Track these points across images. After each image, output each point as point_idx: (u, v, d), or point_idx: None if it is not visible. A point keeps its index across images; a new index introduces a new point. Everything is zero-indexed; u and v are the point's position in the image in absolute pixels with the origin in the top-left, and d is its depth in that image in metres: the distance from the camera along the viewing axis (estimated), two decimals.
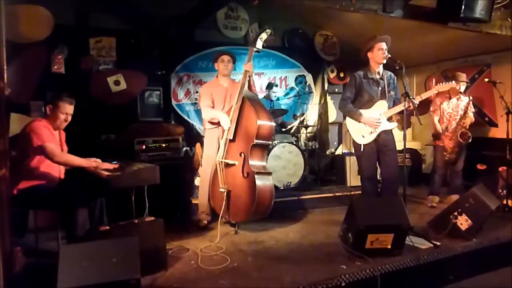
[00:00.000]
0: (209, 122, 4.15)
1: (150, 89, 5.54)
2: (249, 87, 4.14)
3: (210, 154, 4.14)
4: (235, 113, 3.94)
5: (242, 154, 3.87)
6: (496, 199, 3.93)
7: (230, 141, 3.96)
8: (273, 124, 4.08)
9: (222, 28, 6.02)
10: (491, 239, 3.63)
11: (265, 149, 4.14)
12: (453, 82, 4.33)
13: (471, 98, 4.90)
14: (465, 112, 4.83)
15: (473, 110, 4.94)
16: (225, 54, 4.18)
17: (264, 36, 4.12)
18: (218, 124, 4.05)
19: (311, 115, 6.98)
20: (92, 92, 5.01)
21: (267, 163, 5.06)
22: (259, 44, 4.11)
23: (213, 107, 4.13)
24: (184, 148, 4.77)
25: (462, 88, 4.89)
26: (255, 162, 3.90)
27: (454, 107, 4.94)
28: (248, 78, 4.08)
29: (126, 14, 5.27)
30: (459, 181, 5.01)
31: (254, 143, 3.85)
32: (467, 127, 4.86)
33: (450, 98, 4.97)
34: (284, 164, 5.37)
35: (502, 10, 4.65)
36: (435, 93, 4.27)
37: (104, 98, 5.08)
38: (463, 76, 4.89)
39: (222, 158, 3.95)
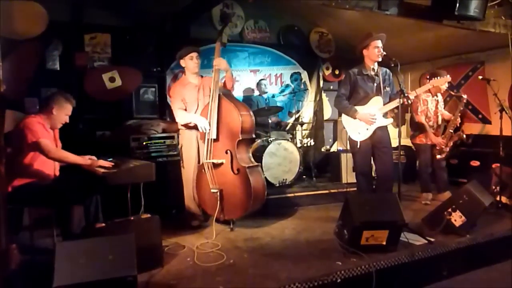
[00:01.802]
0: (183, 125, 4.02)
1: (145, 85, 5.53)
2: (225, 84, 4.01)
3: (191, 156, 4.01)
4: (213, 112, 3.84)
5: (229, 151, 3.81)
6: (490, 195, 3.97)
7: (214, 140, 3.87)
8: (253, 117, 3.98)
9: (217, 24, 5.99)
10: (484, 235, 3.66)
11: (250, 142, 4.08)
12: (448, 76, 4.36)
13: (464, 98, 4.88)
14: (459, 112, 4.83)
15: (461, 108, 4.93)
16: (193, 51, 4.01)
17: (227, 30, 4.04)
18: (194, 127, 3.93)
19: (307, 112, 7.00)
20: (87, 88, 4.98)
21: (262, 160, 5.12)
22: (225, 38, 4.02)
23: (185, 108, 3.99)
24: (180, 145, 4.75)
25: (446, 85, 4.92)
26: (242, 156, 3.87)
27: (435, 104, 4.97)
28: (224, 75, 3.98)
29: (121, 10, 5.25)
30: (446, 176, 5.02)
31: (240, 138, 3.79)
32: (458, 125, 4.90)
33: (432, 96, 4.98)
34: (280, 161, 5.38)
35: (496, 8, 4.68)
36: (430, 87, 4.29)
37: (99, 94, 5.05)
38: (444, 72, 4.89)
39: (208, 159, 3.86)
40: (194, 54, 3.99)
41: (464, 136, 4.84)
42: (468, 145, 5.19)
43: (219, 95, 3.87)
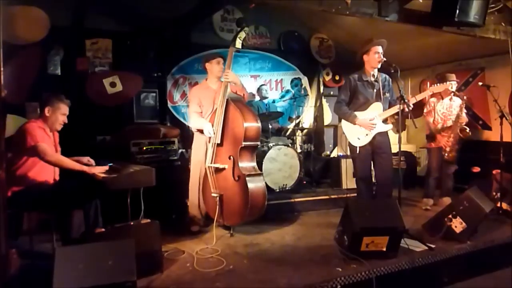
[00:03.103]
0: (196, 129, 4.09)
1: (146, 91, 5.54)
2: (237, 91, 4.06)
3: (198, 158, 4.05)
4: (220, 117, 3.86)
5: (231, 157, 3.81)
6: (490, 201, 3.96)
7: (218, 145, 3.89)
8: (260, 124, 3.97)
9: (218, 30, 6.03)
10: (485, 242, 3.65)
11: (254, 150, 4.06)
12: (447, 83, 4.37)
13: (465, 98, 4.90)
14: (461, 111, 4.85)
15: (465, 111, 4.96)
16: (220, 56, 4.10)
17: (242, 35, 4.03)
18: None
19: (307, 118, 7.01)
20: (88, 93, 5.00)
21: (262, 165, 5.12)
22: (238, 43, 4.03)
23: (201, 112, 4.06)
24: (180, 150, 4.76)
25: (454, 88, 4.91)
26: (245, 164, 3.86)
27: (448, 107, 4.98)
28: (233, 84, 4.00)
29: (122, 16, 5.27)
30: (451, 183, 5.05)
31: (243, 145, 3.79)
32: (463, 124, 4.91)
33: (442, 99, 5.00)
34: (280, 166, 5.38)
35: (496, 14, 4.69)
36: (429, 94, 4.30)
37: (100, 99, 5.07)
38: (452, 76, 4.92)
39: (211, 163, 3.88)
40: (221, 60, 4.08)
41: (468, 131, 4.81)
42: (467, 150, 5.18)
43: (227, 100, 3.89)
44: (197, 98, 4.08)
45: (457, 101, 4.98)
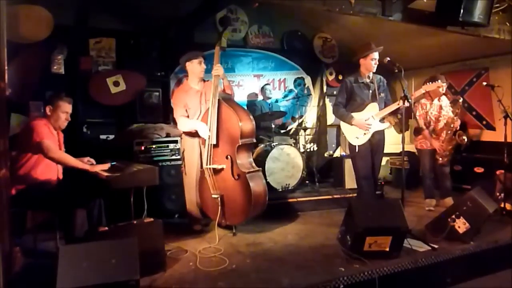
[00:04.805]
0: (185, 132, 4.00)
1: (149, 90, 5.53)
2: (224, 89, 4.00)
3: (193, 161, 3.99)
4: (213, 117, 3.81)
5: (229, 157, 3.79)
6: (494, 202, 3.95)
7: (214, 146, 3.85)
8: (253, 121, 3.94)
9: (220, 30, 6.02)
10: (488, 242, 3.64)
11: (251, 146, 4.04)
12: (439, 81, 4.37)
13: (460, 101, 4.89)
14: (456, 114, 4.84)
15: (457, 116, 4.92)
16: (203, 56, 4.01)
17: (227, 34, 4.00)
18: (196, 134, 3.90)
19: (310, 117, 7.00)
20: (91, 93, 5.01)
21: (265, 165, 5.12)
22: (224, 42, 3.97)
23: (187, 115, 3.97)
24: (182, 150, 4.76)
25: (444, 90, 4.89)
26: (243, 162, 3.85)
27: (437, 109, 4.97)
28: (222, 81, 3.96)
29: (126, 15, 5.28)
30: (448, 183, 5.03)
31: (240, 144, 3.77)
32: (458, 128, 4.89)
33: (432, 100, 4.99)
34: (283, 166, 5.38)
35: (500, 14, 4.68)
36: (423, 93, 4.31)
37: (103, 99, 5.07)
38: (441, 77, 4.90)
39: (209, 165, 3.84)
40: (203, 60, 4.00)
41: (465, 138, 4.80)
42: (471, 150, 5.16)
43: (218, 100, 3.85)
44: (182, 101, 3.97)
45: (444, 101, 4.99)
